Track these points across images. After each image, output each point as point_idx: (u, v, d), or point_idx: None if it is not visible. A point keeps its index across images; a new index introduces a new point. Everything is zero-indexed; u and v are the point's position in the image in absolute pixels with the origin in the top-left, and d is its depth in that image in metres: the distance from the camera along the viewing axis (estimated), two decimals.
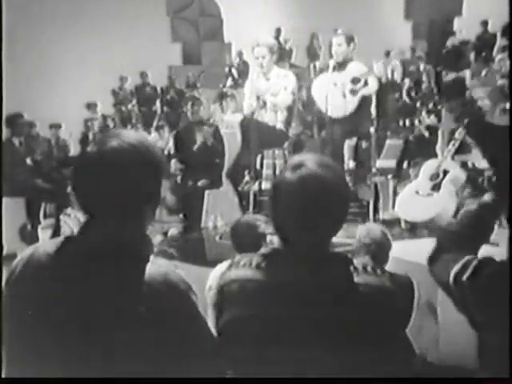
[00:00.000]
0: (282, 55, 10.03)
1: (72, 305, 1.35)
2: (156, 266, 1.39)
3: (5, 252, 5.10)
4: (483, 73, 10.02)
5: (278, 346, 1.44)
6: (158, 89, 11.49)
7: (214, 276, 1.46)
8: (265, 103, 5.18)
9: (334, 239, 1.54)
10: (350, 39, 5.32)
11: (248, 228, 3.13)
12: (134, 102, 10.97)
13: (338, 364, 1.42)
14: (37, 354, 1.38)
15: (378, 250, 3.03)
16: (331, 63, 5.39)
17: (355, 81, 5.19)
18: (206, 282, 2.51)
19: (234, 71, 12.05)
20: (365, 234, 3.07)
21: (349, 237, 3.09)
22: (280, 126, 5.26)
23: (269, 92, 5.23)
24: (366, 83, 5.17)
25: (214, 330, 1.50)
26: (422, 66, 10.84)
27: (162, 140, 8.16)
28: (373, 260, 2.91)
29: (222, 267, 1.58)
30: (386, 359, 1.46)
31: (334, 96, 5.16)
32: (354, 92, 5.16)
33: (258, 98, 5.15)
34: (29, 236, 6.10)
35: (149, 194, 1.45)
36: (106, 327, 1.34)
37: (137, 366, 1.34)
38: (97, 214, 1.41)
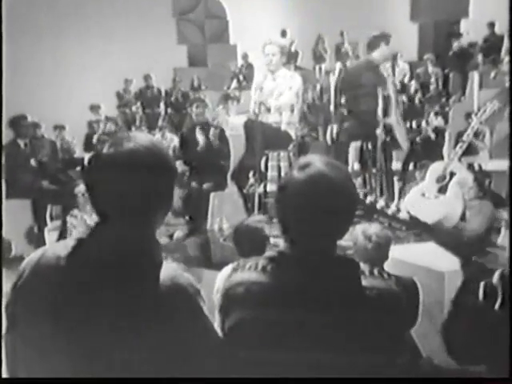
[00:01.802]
0: (287, 57, 10.03)
1: (82, 308, 1.35)
2: (164, 270, 1.38)
3: (12, 254, 5.11)
4: (492, 74, 9.99)
5: (283, 348, 1.43)
6: (163, 91, 11.51)
7: (221, 278, 1.46)
8: (269, 109, 5.17)
9: (339, 242, 1.53)
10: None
11: (249, 233, 3.13)
12: (139, 104, 10.99)
13: (345, 367, 1.42)
14: (45, 357, 1.38)
15: (378, 249, 3.02)
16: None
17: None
18: (212, 285, 2.50)
19: (239, 73, 12.06)
20: (361, 234, 3.05)
21: (353, 240, 3.08)
22: (285, 127, 5.25)
23: (274, 93, 5.22)
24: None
25: (220, 333, 1.50)
26: (430, 69, 10.79)
27: (165, 142, 8.14)
28: (372, 260, 2.90)
29: (228, 269, 1.57)
30: (393, 361, 1.45)
31: None
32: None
33: (261, 103, 5.14)
34: (35, 238, 6.08)
35: (162, 197, 1.44)
36: (113, 329, 1.33)
37: (142, 367, 1.34)
38: (110, 216, 1.40)
